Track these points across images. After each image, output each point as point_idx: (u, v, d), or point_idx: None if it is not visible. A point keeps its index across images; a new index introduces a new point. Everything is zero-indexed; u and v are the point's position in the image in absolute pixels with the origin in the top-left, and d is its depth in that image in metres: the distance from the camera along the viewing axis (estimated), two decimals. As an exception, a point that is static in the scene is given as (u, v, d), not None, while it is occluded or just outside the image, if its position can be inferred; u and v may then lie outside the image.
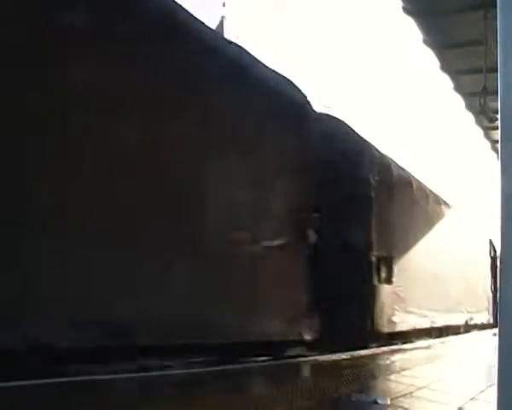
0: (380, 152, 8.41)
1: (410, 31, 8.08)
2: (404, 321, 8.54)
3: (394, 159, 9.01)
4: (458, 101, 10.33)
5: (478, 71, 7.97)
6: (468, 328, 12.94)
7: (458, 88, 9.82)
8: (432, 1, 7.33)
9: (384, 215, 7.98)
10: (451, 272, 11.21)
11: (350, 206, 7.15)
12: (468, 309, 12.95)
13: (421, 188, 10.24)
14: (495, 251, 15.86)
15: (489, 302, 15.17)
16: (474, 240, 14.11)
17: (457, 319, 12.15)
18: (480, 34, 7.02)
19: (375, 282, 7.64)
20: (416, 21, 7.80)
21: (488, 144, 12.35)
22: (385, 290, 7.87)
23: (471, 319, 13.14)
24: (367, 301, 7.38)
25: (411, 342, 8.85)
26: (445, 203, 11.81)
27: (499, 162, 1.00)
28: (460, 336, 11.77)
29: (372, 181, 7.64)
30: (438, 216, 11.03)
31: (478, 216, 15.75)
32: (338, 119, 7.75)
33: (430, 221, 10.47)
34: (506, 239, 0.98)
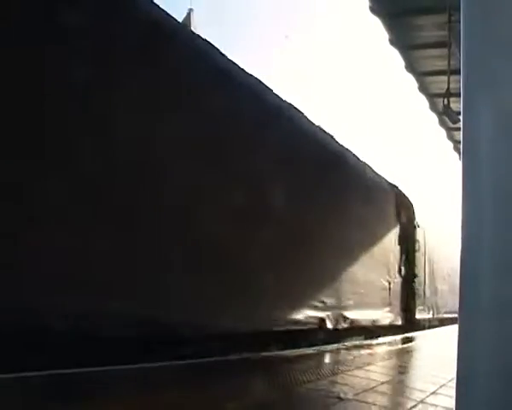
0: None
1: (377, 30, 8.21)
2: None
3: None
4: (423, 101, 10.57)
5: (442, 72, 8.16)
6: (340, 335, 6.74)
7: (423, 89, 10.03)
8: (398, 2, 7.44)
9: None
10: (294, 230, 5.57)
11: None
12: (346, 303, 7.01)
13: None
14: (410, 216, 10.02)
15: (394, 294, 8.98)
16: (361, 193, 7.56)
17: (309, 319, 5.96)
18: (444, 36, 7.18)
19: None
20: (382, 21, 7.91)
21: (451, 145, 12.69)
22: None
23: (349, 320, 7.01)
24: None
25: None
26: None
27: (461, 162, 1.03)
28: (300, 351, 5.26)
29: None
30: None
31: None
32: None
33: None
34: (467, 236, 1.00)
